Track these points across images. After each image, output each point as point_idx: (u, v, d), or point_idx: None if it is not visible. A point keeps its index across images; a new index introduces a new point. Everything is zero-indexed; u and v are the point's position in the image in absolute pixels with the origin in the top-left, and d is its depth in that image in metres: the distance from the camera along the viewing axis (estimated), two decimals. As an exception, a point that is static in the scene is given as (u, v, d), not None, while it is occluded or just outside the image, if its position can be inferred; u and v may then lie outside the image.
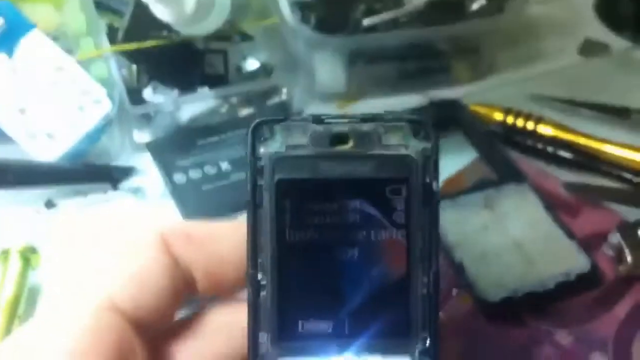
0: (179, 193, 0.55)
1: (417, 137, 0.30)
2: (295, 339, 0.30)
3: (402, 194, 0.30)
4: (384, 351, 0.30)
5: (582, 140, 0.58)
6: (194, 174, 0.55)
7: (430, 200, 0.30)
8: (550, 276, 0.47)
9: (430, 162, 0.30)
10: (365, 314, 0.30)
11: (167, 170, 0.56)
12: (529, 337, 0.45)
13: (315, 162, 0.30)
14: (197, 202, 0.54)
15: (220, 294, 0.34)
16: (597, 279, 0.48)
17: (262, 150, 0.30)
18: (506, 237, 0.50)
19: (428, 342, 0.30)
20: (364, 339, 0.30)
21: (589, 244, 0.50)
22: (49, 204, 0.55)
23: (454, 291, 0.48)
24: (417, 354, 0.30)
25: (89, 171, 0.57)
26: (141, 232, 0.31)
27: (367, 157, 0.30)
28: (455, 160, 0.57)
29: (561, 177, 0.55)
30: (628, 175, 0.56)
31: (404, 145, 0.30)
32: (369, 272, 0.30)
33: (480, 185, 0.54)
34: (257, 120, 0.30)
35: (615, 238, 0.49)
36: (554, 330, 0.46)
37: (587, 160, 0.57)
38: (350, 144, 0.30)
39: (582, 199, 0.53)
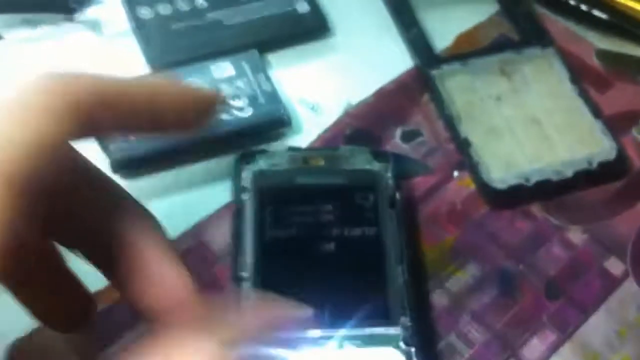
0: (143, 30, 0.46)
1: (378, 160, 0.38)
2: None
3: (370, 199, 0.36)
4: (367, 342, 0.31)
5: (622, -1, 0.48)
6: (163, 9, 0.47)
7: (395, 205, 0.36)
8: (569, 162, 0.40)
9: (391, 178, 0.37)
10: (345, 303, 0.32)
11: (131, 1, 0.47)
12: (536, 232, 0.39)
13: (292, 174, 0.37)
14: (165, 43, 0.45)
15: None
16: (623, 169, 0.41)
17: (244, 172, 0.36)
18: (522, 112, 0.43)
19: (410, 328, 0.32)
20: (345, 329, 0.32)
21: (617, 125, 0.43)
22: (-5, 36, 0.47)
23: (455, 173, 0.41)
24: (400, 343, 0.31)
25: (39, -4, 0.48)
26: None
27: (337, 171, 0.37)
28: (470, 13, 0.48)
29: (594, 43, 0.47)
30: (672, 46, 0.48)
31: (368, 164, 0.37)
32: (346, 264, 0.34)
33: (498, 46, 0.46)
34: (241, 153, 0.37)
35: (649, 121, 0.42)
36: (566, 226, 0.39)
37: (627, 24, 0.48)
38: (322, 163, 0.37)
39: (615, 71, 0.45)
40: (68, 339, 0.34)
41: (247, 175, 0.36)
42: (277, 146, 0.40)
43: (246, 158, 0.37)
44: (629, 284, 0.37)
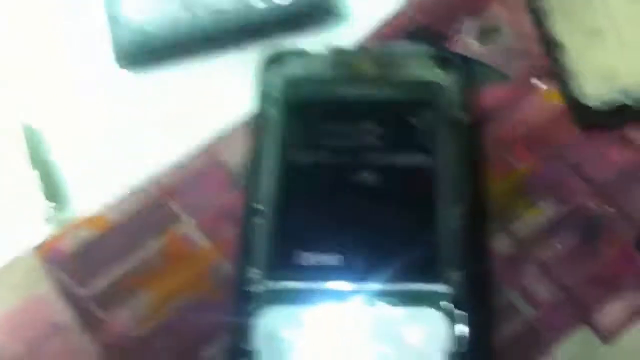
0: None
1: (443, 68, 0.30)
2: (295, 274, 0.26)
3: (427, 119, 0.28)
4: (405, 300, 0.26)
5: None
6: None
7: (460, 130, 0.28)
8: (689, 75, 0.32)
9: (458, 94, 0.29)
10: (382, 249, 0.26)
11: None
12: (635, 165, 0.31)
13: (332, 82, 0.29)
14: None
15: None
16: None
17: (272, 77, 0.29)
18: (635, 7, 0.33)
19: (462, 287, 0.26)
20: (379, 282, 0.26)
21: None
22: None
23: (539, 84, 0.33)
24: (447, 303, 0.25)
25: None
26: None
27: (388, 81, 0.30)
28: None
29: None
30: None
31: (429, 72, 0.30)
32: (389, 200, 0.27)
33: None
34: (270, 55, 0.30)
35: None
36: (675, 158, 0.31)
37: None
38: (371, 69, 0.30)
39: None
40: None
41: (275, 81, 0.29)
42: (315, 43, 0.32)
43: (276, 59, 0.30)
44: None
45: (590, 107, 0.31)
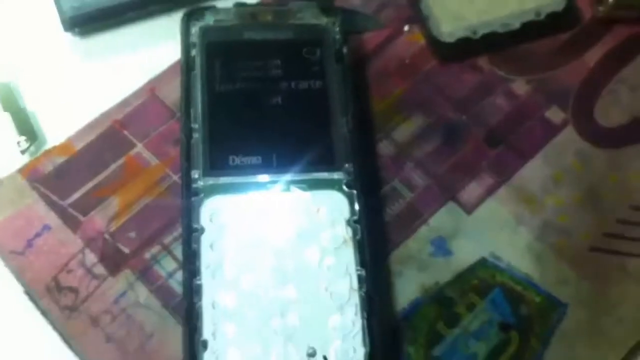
0: None
1: (326, 15, 0.38)
2: (226, 172, 0.34)
3: (317, 54, 0.37)
4: (312, 186, 0.34)
5: None
6: None
7: (342, 59, 0.37)
8: (518, 14, 0.41)
9: (338, 33, 0.37)
10: (292, 150, 0.34)
11: None
12: (482, 84, 0.40)
13: (240, 29, 0.37)
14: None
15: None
16: (572, 20, 0.42)
17: (193, 28, 0.37)
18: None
19: (353, 174, 0.34)
20: (292, 174, 0.34)
21: (570, -24, 0.43)
22: None
23: (406, 27, 0.42)
24: (343, 186, 0.34)
25: None
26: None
27: (285, 26, 0.38)
28: None
29: None
30: None
31: (316, 18, 0.38)
32: (293, 115, 0.35)
33: None
34: (188, 10, 0.37)
35: (600, -28, 0.42)
36: (512, 77, 0.41)
37: None
38: (270, 18, 0.38)
39: None
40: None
41: (195, 31, 0.36)
42: (226, 3, 0.40)
43: (194, 14, 0.37)
44: (568, 132, 0.39)
45: (446, 43, 0.41)
